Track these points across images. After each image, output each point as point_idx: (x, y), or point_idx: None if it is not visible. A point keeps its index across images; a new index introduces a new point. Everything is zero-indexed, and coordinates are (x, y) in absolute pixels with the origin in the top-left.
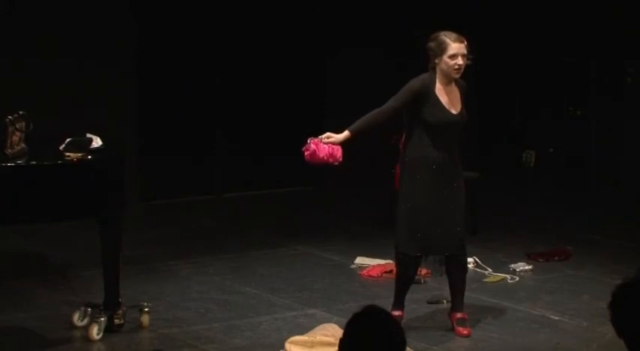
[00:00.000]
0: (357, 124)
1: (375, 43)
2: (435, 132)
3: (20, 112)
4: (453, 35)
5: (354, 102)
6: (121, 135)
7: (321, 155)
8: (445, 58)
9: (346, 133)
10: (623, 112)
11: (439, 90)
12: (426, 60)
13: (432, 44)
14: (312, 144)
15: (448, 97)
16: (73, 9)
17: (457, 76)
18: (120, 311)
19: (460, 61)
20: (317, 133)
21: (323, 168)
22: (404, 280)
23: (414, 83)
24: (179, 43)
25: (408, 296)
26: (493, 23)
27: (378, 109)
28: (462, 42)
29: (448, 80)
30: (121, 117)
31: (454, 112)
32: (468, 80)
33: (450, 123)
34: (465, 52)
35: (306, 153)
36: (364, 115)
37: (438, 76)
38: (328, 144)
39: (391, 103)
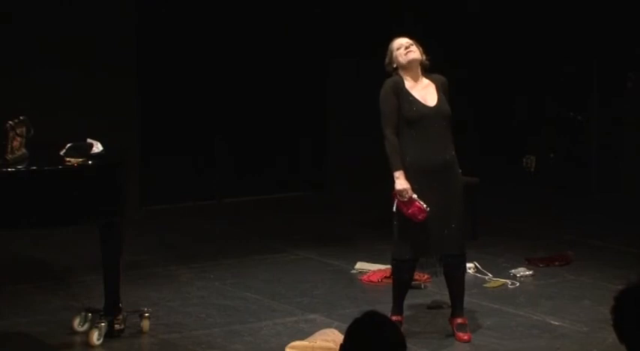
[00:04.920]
0: (398, 159)
1: (376, 46)
2: (417, 128)
3: (21, 118)
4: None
5: (355, 106)
6: (122, 139)
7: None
8: (395, 53)
9: (401, 172)
10: (624, 117)
11: (410, 87)
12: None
13: (386, 58)
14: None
15: (421, 92)
16: (73, 9)
17: (411, 57)
18: (120, 316)
19: (406, 44)
20: (317, 135)
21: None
22: (400, 285)
23: (385, 86)
24: (179, 45)
25: (408, 301)
26: (493, 28)
27: (389, 141)
28: (403, 37)
29: (414, 73)
30: (121, 120)
31: (430, 104)
32: (468, 82)
33: (427, 115)
34: (410, 41)
35: (419, 215)
36: (390, 152)
37: (403, 76)
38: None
39: (387, 122)
